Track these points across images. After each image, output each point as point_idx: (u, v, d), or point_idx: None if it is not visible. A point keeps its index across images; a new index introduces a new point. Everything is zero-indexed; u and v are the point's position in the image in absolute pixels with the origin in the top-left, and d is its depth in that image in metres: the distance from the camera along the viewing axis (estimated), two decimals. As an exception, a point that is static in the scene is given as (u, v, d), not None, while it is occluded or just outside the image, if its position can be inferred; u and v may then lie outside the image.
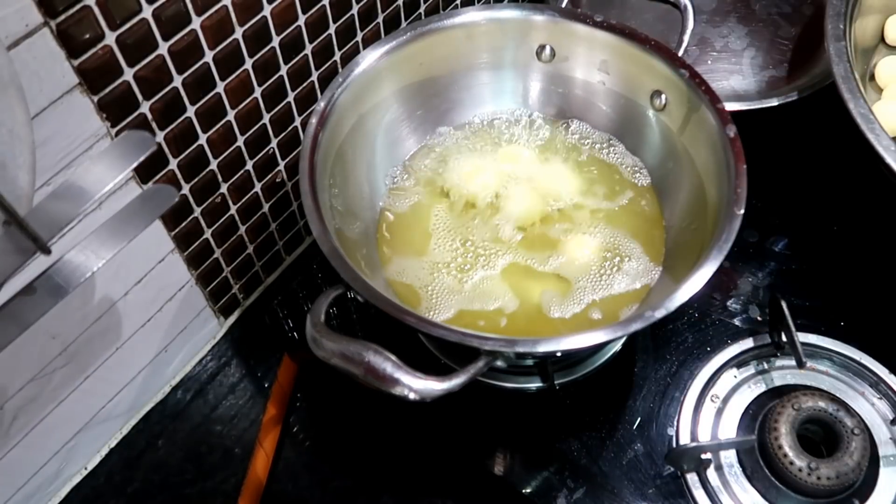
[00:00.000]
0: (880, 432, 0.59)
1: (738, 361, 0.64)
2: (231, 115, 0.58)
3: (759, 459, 0.56)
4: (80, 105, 0.46)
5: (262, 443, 0.66)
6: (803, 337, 0.63)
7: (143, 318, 0.62)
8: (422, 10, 0.74)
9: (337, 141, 0.60)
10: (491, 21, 0.64)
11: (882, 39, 0.74)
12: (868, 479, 0.56)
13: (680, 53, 0.62)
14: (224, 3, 0.51)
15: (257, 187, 0.66)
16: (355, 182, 0.64)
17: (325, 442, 0.68)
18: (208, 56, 0.53)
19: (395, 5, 0.69)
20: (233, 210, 0.65)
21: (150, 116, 0.51)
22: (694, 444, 0.59)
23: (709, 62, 0.82)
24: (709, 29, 0.84)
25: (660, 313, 0.48)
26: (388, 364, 0.45)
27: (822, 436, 0.57)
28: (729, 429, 0.60)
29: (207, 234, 0.63)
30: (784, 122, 0.75)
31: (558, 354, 0.61)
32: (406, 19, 0.72)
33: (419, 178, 0.67)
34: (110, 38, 0.45)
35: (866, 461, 0.54)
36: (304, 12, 0.59)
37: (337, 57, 0.66)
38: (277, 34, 0.57)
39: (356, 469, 0.66)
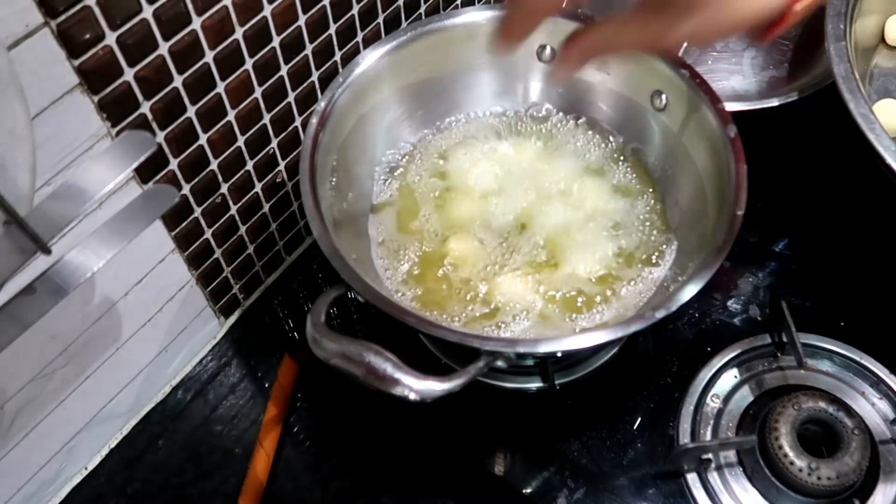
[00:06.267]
0: (880, 432, 0.59)
1: (739, 361, 0.64)
2: (231, 116, 0.58)
3: (760, 459, 0.56)
4: (80, 105, 0.46)
5: (263, 443, 0.66)
6: (803, 337, 0.63)
7: (144, 318, 0.62)
8: (422, 10, 0.74)
9: (337, 141, 0.60)
10: (491, 21, 0.64)
11: (882, 39, 0.74)
12: (868, 479, 0.56)
13: (680, 53, 0.62)
14: (224, 3, 0.51)
15: (258, 187, 0.66)
16: (356, 182, 0.64)
17: (325, 442, 0.68)
18: (209, 56, 0.53)
19: (395, 5, 0.69)
20: (233, 210, 0.65)
21: (150, 116, 0.51)
22: (694, 444, 0.59)
23: (709, 62, 0.81)
24: (709, 29, 0.84)
25: (660, 313, 0.48)
26: (388, 364, 0.45)
27: (822, 436, 0.57)
28: (729, 429, 0.60)
29: (208, 234, 0.63)
30: (784, 122, 0.75)
31: (559, 355, 0.61)
32: (406, 19, 0.72)
33: (420, 178, 0.67)
34: (111, 38, 0.45)
35: (866, 461, 0.54)
36: (304, 12, 0.59)
37: (337, 57, 0.66)
38: (278, 34, 0.57)
39: (356, 469, 0.66)
